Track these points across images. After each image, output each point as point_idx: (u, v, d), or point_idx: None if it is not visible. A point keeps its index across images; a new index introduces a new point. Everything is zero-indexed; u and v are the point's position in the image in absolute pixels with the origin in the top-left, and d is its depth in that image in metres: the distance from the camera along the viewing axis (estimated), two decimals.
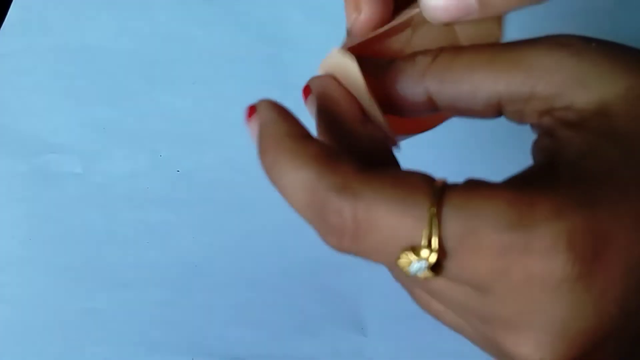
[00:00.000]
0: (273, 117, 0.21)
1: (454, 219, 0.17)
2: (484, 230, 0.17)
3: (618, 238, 0.18)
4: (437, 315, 0.22)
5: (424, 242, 0.18)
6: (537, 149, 0.21)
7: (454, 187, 0.18)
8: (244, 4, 0.52)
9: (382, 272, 0.41)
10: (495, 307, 0.18)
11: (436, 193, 0.18)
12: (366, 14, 0.23)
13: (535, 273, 0.17)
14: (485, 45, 0.22)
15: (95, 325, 0.39)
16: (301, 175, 0.19)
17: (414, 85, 0.22)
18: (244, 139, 0.46)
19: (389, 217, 0.18)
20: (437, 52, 0.22)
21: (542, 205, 0.17)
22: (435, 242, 0.18)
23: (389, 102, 0.23)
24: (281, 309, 0.40)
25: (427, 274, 0.18)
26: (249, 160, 0.45)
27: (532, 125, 0.22)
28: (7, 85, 0.48)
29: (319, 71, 0.24)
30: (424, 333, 0.38)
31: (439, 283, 0.19)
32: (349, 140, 0.22)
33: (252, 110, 0.23)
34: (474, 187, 0.18)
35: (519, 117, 0.21)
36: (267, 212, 0.43)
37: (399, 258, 0.18)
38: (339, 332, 0.39)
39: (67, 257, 0.41)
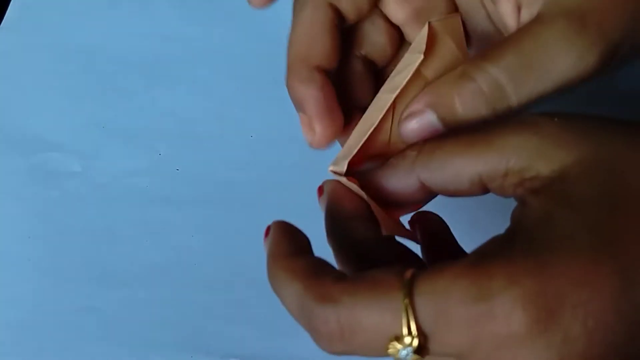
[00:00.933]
0: (277, 237, 0.25)
1: (425, 305, 0.20)
2: (452, 309, 0.20)
3: (572, 296, 0.20)
4: None
5: (404, 331, 0.20)
6: (511, 217, 0.23)
7: (422, 275, 0.21)
8: (244, 3, 0.52)
9: None
10: None
11: (406, 285, 0.20)
12: (320, 133, 0.27)
13: (502, 336, 0.20)
14: (463, 133, 0.24)
15: (94, 324, 0.39)
16: (292, 289, 0.22)
17: (407, 177, 0.25)
18: (244, 138, 0.46)
19: (370, 317, 0.21)
20: (422, 145, 0.25)
21: (498, 276, 0.20)
22: (413, 329, 0.20)
23: (390, 198, 0.27)
24: (280, 307, 0.39)
25: (415, 357, 0.21)
26: (249, 159, 0.45)
27: (513, 197, 0.24)
28: (6, 84, 0.48)
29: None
30: None
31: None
32: (351, 239, 0.25)
33: (267, 231, 0.26)
34: (439, 270, 0.21)
35: (501, 191, 0.24)
36: (267, 211, 0.43)
37: (387, 349, 0.21)
38: None
39: (66, 255, 0.41)
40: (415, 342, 0.20)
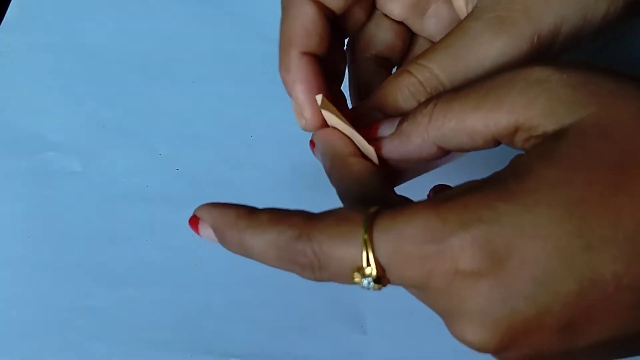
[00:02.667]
0: (215, 215, 0.26)
1: (382, 240, 0.22)
2: (405, 246, 0.22)
3: (522, 249, 0.21)
4: None
5: (364, 263, 0.22)
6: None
7: (384, 213, 0.22)
8: (244, 3, 0.52)
9: None
10: (435, 301, 0.23)
11: (367, 220, 0.22)
12: (309, 118, 0.29)
13: (451, 274, 0.22)
14: (470, 90, 0.25)
15: (94, 323, 0.39)
16: (264, 238, 0.24)
17: (423, 143, 0.27)
18: (244, 138, 0.46)
19: (337, 249, 0.23)
20: (432, 109, 0.26)
21: (452, 218, 0.21)
22: (372, 261, 0.22)
23: (412, 164, 0.29)
24: (280, 307, 0.40)
25: (376, 286, 0.23)
26: (249, 159, 0.45)
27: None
28: (6, 83, 0.48)
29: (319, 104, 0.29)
30: (424, 332, 0.38)
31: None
32: (347, 175, 0.28)
33: (194, 221, 0.27)
34: (401, 209, 0.22)
35: (511, 144, 0.25)
36: None
37: (353, 278, 0.23)
38: (339, 330, 0.39)
39: (66, 255, 0.41)
40: (374, 273, 0.22)
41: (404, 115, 0.27)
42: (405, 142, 0.27)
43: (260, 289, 0.40)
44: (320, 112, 0.29)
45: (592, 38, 0.28)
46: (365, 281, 0.23)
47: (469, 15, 0.28)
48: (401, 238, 0.22)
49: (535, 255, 0.21)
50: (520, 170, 0.22)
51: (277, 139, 0.45)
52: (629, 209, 0.21)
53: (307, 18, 0.30)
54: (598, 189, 0.21)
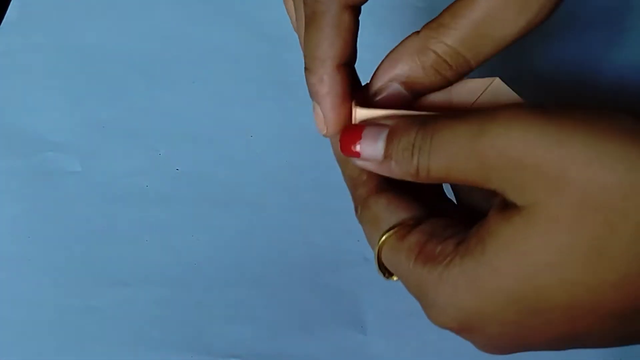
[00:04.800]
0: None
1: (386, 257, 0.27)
2: (399, 267, 0.26)
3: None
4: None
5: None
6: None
7: (391, 238, 0.27)
8: (244, 3, 0.52)
9: None
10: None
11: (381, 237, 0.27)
12: (330, 130, 0.29)
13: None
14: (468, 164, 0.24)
15: (94, 323, 0.39)
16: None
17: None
18: (244, 138, 0.46)
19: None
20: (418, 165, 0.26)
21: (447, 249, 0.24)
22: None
23: None
24: (281, 307, 0.40)
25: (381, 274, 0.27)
26: (249, 159, 0.45)
27: None
28: (6, 83, 0.48)
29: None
30: (424, 332, 0.38)
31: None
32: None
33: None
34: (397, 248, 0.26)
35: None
36: (267, 211, 0.43)
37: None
38: (339, 330, 0.39)
39: (65, 255, 0.41)
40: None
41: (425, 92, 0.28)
42: (387, 171, 0.27)
43: (260, 289, 0.40)
44: (341, 119, 0.29)
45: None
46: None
47: None
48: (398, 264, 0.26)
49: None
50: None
51: (277, 139, 0.45)
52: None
53: (345, 27, 0.28)
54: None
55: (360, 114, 0.28)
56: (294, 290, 0.40)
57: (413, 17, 0.50)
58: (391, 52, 0.29)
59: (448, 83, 0.28)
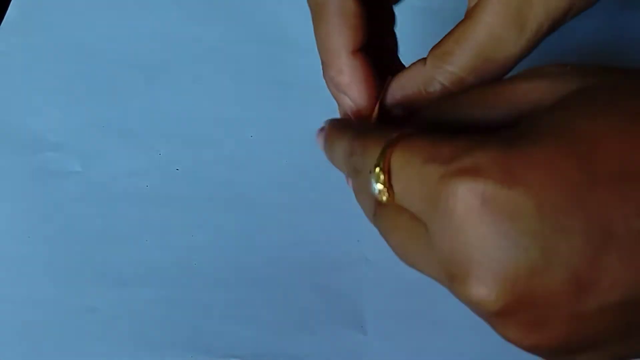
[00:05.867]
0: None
1: (399, 152, 0.22)
2: (416, 162, 0.21)
3: (528, 178, 0.19)
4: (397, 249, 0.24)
5: (378, 161, 0.22)
6: None
7: (414, 134, 0.22)
8: (244, 4, 0.52)
9: (382, 271, 0.42)
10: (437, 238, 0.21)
11: (388, 144, 0.22)
12: (362, 112, 0.29)
13: (460, 203, 0.19)
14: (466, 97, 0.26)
15: (94, 323, 0.39)
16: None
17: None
18: (243, 138, 0.46)
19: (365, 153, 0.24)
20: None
21: (463, 169, 0.20)
22: (383, 165, 0.22)
23: None
24: (280, 307, 0.40)
25: (381, 187, 0.22)
26: (248, 158, 0.45)
27: None
28: (6, 83, 0.48)
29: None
30: (424, 332, 0.38)
31: (393, 210, 0.23)
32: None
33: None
34: (425, 135, 0.22)
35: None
36: (266, 211, 0.43)
37: (371, 173, 0.23)
38: (339, 330, 0.39)
39: (65, 255, 0.41)
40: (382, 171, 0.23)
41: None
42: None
43: (260, 289, 0.40)
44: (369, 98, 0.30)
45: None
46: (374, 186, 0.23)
47: (478, 8, 0.27)
48: (415, 154, 0.21)
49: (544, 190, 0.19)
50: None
51: (277, 139, 0.45)
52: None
53: (350, 13, 0.28)
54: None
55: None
56: (294, 290, 0.40)
57: (412, 17, 0.50)
58: (397, 79, 0.29)
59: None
